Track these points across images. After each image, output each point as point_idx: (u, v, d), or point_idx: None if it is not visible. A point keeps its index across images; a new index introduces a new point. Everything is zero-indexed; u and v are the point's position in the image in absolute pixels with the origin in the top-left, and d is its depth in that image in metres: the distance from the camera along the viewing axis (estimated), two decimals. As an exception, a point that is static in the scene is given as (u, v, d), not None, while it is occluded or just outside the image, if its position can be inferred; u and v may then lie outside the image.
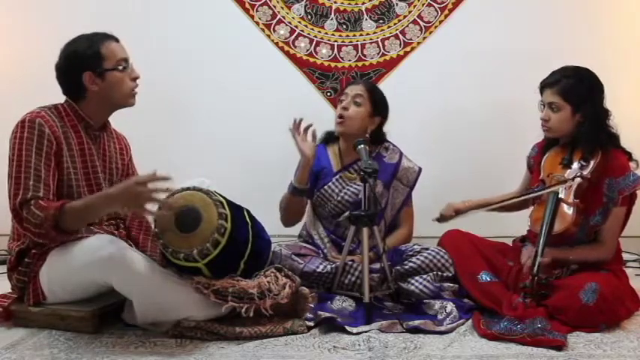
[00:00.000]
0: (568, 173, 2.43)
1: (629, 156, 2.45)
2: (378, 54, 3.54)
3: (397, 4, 3.53)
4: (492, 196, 2.78)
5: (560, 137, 2.51)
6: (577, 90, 2.41)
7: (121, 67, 2.25)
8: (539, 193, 2.47)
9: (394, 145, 2.81)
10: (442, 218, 2.72)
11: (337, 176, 2.73)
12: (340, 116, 2.65)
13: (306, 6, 3.53)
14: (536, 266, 2.27)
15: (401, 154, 2.80)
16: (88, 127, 2.30)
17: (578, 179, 2.37)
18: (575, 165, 2.43)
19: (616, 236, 2.46)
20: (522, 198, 2.66)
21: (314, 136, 2.60)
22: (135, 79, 2.30)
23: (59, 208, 2.06)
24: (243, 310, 2.08)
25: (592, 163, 2.40)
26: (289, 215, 2.73)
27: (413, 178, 2.78)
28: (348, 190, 2.70)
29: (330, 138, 2.82)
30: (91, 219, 2.17)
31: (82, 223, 2.14)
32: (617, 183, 2.40)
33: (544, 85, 2.49)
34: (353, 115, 2.65)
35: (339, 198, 2.70)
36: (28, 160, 2.12)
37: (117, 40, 2.29)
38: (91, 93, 2.25)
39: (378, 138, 2.76)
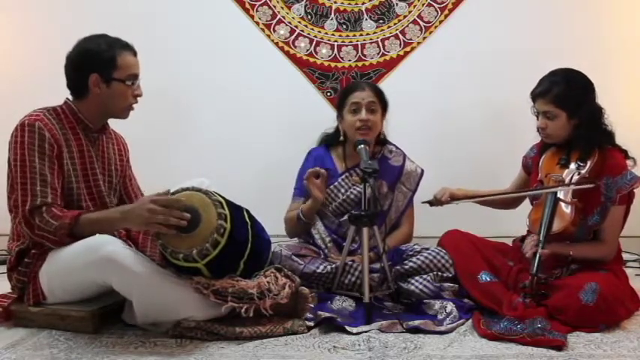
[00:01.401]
0: (566, 173, 2.44)
1: (625, 154, 2.46)
2: (378, 54, 3.54)
3: (397, 4, 3.53)
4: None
5: (559, 142, 2.51)
6: (569, 95, 2.41)
7: (129, 82, 2.26)
8: (540, 191, 2.47)
9: (397, 147, 2.82)
10: (436, 202, 2.70)
11: (343, 176, 2.74)
12: (362, 127, 2.64)
13: (306, 6, 3.53)
14: (535, 266, 2.27)
15: (404, 156, 2.81)
16: (87, 129, 2.31)
17: (577, 177, 2.37)
18: (573, 165, 2.44)
19: (616, 235, 2.46)
20: (520, 194, 2.66)
21: (325, 178, 2.65)
22: (137, 96, 2.31)
23: (75, 219, 2.08)
24: (243, 310, 2.08)
25: (589, 163, 2.41)
26: (295, 234, 2.78)
27: (415, 181, 2.79)
28: (353, 190, 2.70)
29: (330, 140, 2.82)
30: (104, 232, 2.16)
31: (94, 234, 2.14)
32: (615, 182, 2.40)
33: (535, 95, 2.48)
34: (373, 124, 2.66)
35: (343, 198, 2.70)
36: (32, 165, 2.12)
37: (135, 54, 2.29)
38: (92, 95, 2.25)
39: (381, 137, 2.78)
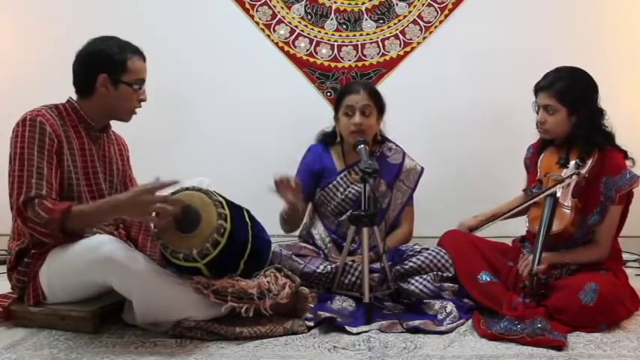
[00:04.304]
0: (565, 172, 2.43)
1: (624, 154, 2.46)
2: (378, 54, 3.54)
3: (397, 4, 3.53)
4: (499, 203, 2.80)
5: (556, 138, 2.51)
6: (572, 92, 2.41)
7: (136, 86, 2.28)
8: (541, 196, 2.46)
9: (397, 145, 2.82)
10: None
11: (342, 175, 2.73)
12: (355, 131, 2.62)
13: (306, 6, 3.53)
14: (534, 265, 2.27)
15: (404, 154, 2.81)
16: (89, 128, 2.31)
17: (575, 177, 2.36)
18: (572, 164, 2.43)
19: (611, 236, 2.45)
20: (528, 204, 2.62)
21: (299, 187, 2.52)
22: (141, 100, 2.33)
23: (66, 212, 2.07)
24: (243, 310, 2.08)
25: (588, 162, 2.41)
26: (288, 227, 2.74)
27: (415, 179, 2.79)
28: (352, 188, 2.70)
29: (329, 139, 2.82)
30: (97, 224, 2.18)
31: (88, 226, 2.14)
32: (614, 182, 2.40)
33: (538, 88, 2.48)
34: (367, 128, 2.65)
35: (342, 196, 2.70)
36: (30, 158, 2.12)
37: (144, 60, 2.32)
38: (97, 95, 2.26)
39: (380, 137, 2.77)
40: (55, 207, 2.08)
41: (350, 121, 2.65)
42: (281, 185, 2.48)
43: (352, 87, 2.73)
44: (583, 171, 2.39)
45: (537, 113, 2.52)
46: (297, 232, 2.89)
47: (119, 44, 2.27)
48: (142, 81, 2.31)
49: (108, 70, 2.24)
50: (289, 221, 2.70)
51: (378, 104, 2.70)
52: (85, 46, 2.28)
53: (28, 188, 2.09)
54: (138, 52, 2.30)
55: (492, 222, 2.70)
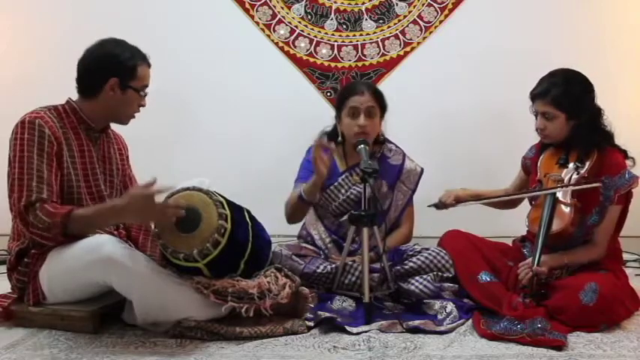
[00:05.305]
0: (564, 173, 2.44)
1: (624, 154, 2.46)
2: (378, 54, 3.54)
3: (397, 4, 3.53)
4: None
5: (557, 142, 2.51)
6: (568, 97, 2.41)
7: (142, 92, 2.31)
8: (540, 193, 2.47)
9: (397, 146, 2.82)
10: (441, 205, 2.70)
11: (343, 176, 2.73)
12: (360, 133, 2.60)
13: (306, 6, 3.53)
14: (534, 265, 2.27)
15: (404, 155, 2.80)
16: (89, 129, 2.31)
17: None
18: (572, 165, 2.43)
19: (608, 235, 2.44)
20: (523, 195, 2.65)
21: (331, 155, 2.57)
22: (141, 106, 2.34)
23: (67, 216, 2.07)
24: (243, 310, 2.08)
25: (588, 162, 2.41)
26: (294, 217, 2.71)
27: (415, 180, 2.78)
28: (353, 189, 2.70)
29: (330, 138, 2.81)
30: (98, 228, 2.18)
31: (89, 230, 2.15)
32: (614, 181, 2.40)
33: (534, 96, 2.48)
34: (371, 129, 2.64)
35: (344, 197, 2.70)
36: (30, 161, 2.12)
37: (150, 66, 2.34)
38: (103, 97, 2.27)
39: (382, 137, 2.77)
40: (57, 211, 2.08)
41: (354, 122, 2.63)
42: (318, 148, 2.47)
43: (356, 87, 2.70)
44: (582, 171, 2.39)
45: (536, 118, 2.52)
46: (296, 232, 2.89)
47: (130, 49, 2.29)
48: (147, 87, 2.33)
49: (119, 75, 2.25)
50: (301, 205, 2.60)
51: (382, 105, 2.70)
52: (96, 48, 2.28)
53: (29, 192, 2.09)
54: (146, 59, 2.32)
55: (480, 201, 2.73)
